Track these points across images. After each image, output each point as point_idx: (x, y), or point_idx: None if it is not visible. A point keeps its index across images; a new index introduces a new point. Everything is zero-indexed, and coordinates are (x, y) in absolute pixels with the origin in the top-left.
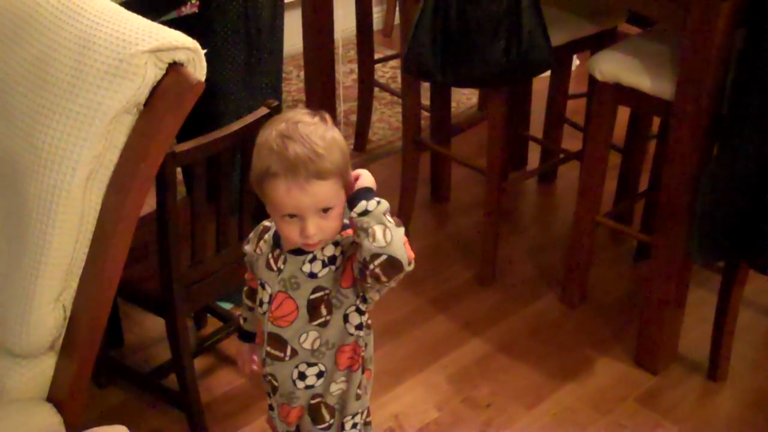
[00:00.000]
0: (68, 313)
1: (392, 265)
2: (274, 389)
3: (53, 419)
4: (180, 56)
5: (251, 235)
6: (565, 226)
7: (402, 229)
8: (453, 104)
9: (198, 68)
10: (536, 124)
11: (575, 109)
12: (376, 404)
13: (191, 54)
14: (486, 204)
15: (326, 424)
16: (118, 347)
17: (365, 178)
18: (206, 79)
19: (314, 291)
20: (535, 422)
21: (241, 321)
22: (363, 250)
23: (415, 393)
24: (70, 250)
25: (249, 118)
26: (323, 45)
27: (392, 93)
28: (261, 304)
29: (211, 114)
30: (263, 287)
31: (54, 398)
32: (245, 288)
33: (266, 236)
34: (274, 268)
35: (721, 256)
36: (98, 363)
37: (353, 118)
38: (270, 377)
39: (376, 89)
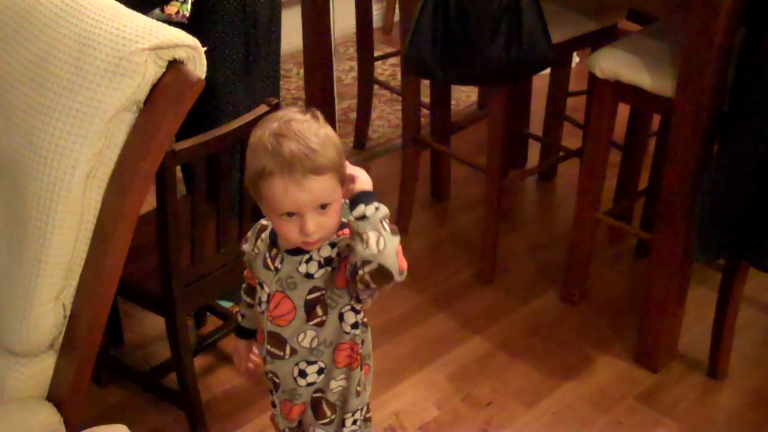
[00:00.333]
0: (68, 312)
1: (382, 273)
2: (276, 386)
3: (53, 418)
4: (180, 54)
5: (249, 233)
6: (565, 223)
7: (397, 238)
8: (453, 102)
9: (198, 66)
10: (536, 122)
11: (575, 106)
12: (376, 402)
13: (191, 52)
14: (486, 202)
15: (327, 420)
16: (118, 346)
17: (363, 180)
18: (206, 78)
19: (311, 291)
20: (535, 420)
21: (239, 318)
22: (355, 255)
23: (415, 391)
24: (70, 249)
25: (248, 116)
26: (322, 43)
27: (392, 91)
28: (260, 303)
29: (211, 112)
30: (261, 287)
31: (54, 397)
32: (244, 285)
33: (263, 235)
34: (272, 267)
35: (721, 254)
36: (98, 362)
37: (353, 115)
38: (271, 375)
39: (376, 87)
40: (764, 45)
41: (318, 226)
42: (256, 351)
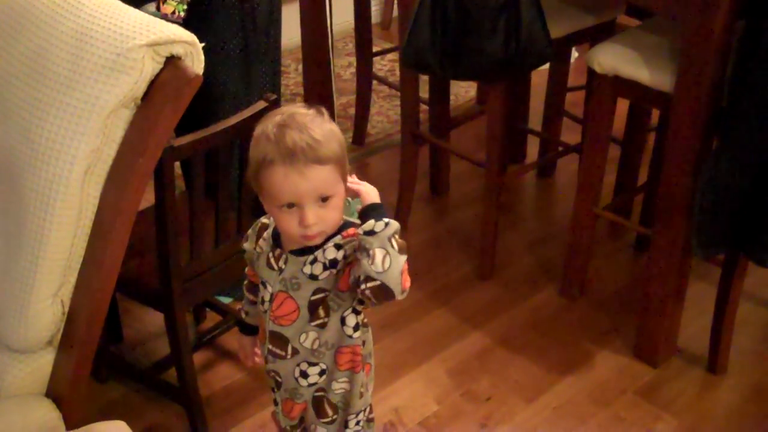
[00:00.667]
0: (67, 308)
1: (384, 292)
2: (278, 385)
3: (52, 414)
4: (177, 50)
5: (249, 232)
6: (564, 219)
7: (404, 257)
8: (452, 97)
9: (196, 62)
10: (535, 117)
11: (574, 101)
12: (376, 398)
13: (189, 47)
14: (485, 197)
15: (329, 419)
16: (118, 342)
17: (369, 192)
18: (204, 74)
19: (315, 292)
20: (534, 415)
21: (243, 314)
22: (360, 269)
23: (414, 387)
24: (69, 245)
25: (247, 112)
26: (321, 38)
27: (391, 86)
28: (262, 302)
29: (209, 108)
30: (264, 286)
31: (53, 393)
32: (246, 282)
33: (265, 234)
34: (275, 267)
35: (721, 249)
36: (97, 358)
37: (351, 111)
38: (273, 374)
39: (375, 82)
40: (763, 40)
41: (318, 219)
42: (257, 351)
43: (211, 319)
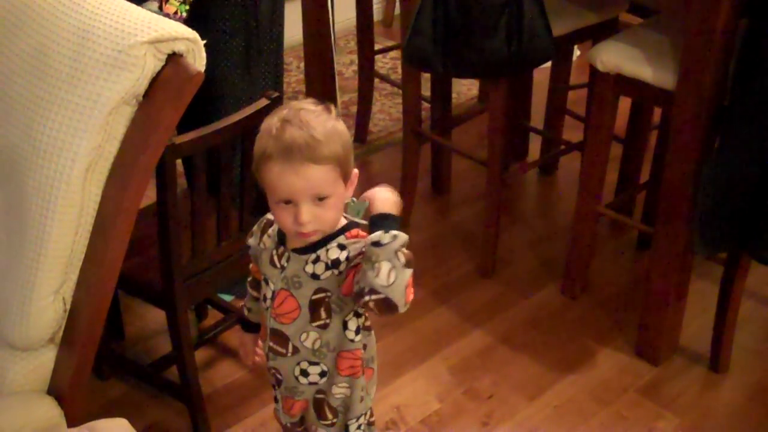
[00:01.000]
0: (68, 306)
1: (387, 305)
2: (279, 382)
3: (54, 412)
4: (179, 47)
5: (255, 228)
6: (566, 217)
7: (410, 271)
8: (453, 95)
9: (197, 59)
10: (537, 115)
11: (576, 99)
12: (377, 396)
13: (190, 45)
14: (487, 195)
15: (329, 422)
16: (119, 340)
17: (383, 200)
18: (206, 71)
19: (316, 292)
20: (536, 413)
21: (245, 311)
22: (365, 279)
23: (416, 385)
24: (70, 242)
25: (249, 110)
26: (323, 36)
27: (393, 84)
28: (264, 299)
29: (212, 106)
30: (266, 283)
31: (54, 391)
32: (250, 278)
33: (270, 231)
34: (278, 265)
35: (723, 247)
36: (99, 356)
37: (353, 109)
38: (274, 371)
39: (377, 80)
40: (765, 38)
41: (313, 217)
42: (259, 350)
43: (213, 316)
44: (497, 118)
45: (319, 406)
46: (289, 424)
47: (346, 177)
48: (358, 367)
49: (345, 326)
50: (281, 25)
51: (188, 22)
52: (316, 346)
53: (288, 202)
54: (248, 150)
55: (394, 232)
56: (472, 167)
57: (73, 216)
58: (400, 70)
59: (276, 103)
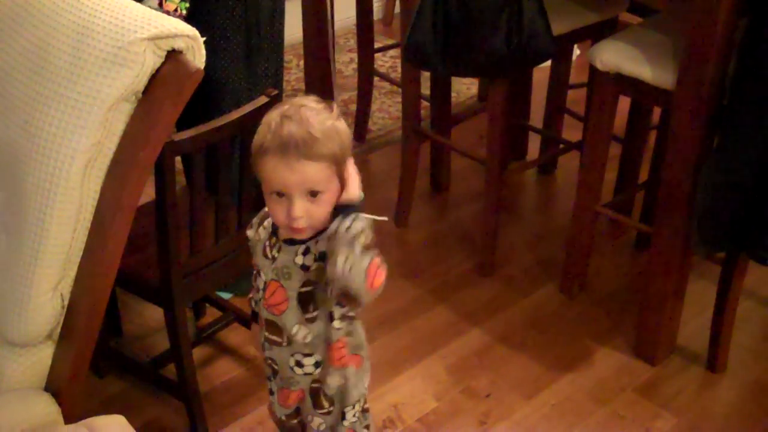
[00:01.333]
0: (66, 302)
1: (346, 295)
2: (275, 372)
3: (51, 408)
4: (179, 44)
5: (254, 219)
6: (564, 216)
7: (368, 258)
8: (453, 94)
9: (197, 56)
10: (536, 114)
11: (576, 99)
12: (374, 394)
13: (190, 41)
14: (486, 194)
15: (326, 410)
16: (118, 337)
17: (350, 189)
18: (206, 68)
19: (304, 284)
20: (534, 412)
21: (252, 304)
22: (329, 272)
23: (414, 383)
24: (69, 239)
25: (248, 107)
26: (323, 34)
27: (392, 82)
28: (258, 290)
29: (211, 103)
30: (259, 274)
31: (52, 387)
32: (255, 271)
33: (266, 223)
34: (269, 256)
35: (721, 247)
36: (97, 353)
37: (353, 107)
38: (270, 361)
39: (376, 79)
40: (765, 38)
41: (305, 212)
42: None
43: (211, 314)
44: (496, 117)
45: (316, 395)
46: (284, 417)
47: (341, 175)
48: (344, 354)
49: (330, 317)
50: (281, 23)
51: (188, 19)
52: (308, 339)
53: (281, 195)
54: (247, 147)
55: (352, 216)
56: (472, 166)
57: (71, 212)
58: (399, 69)
59: (275, 101)
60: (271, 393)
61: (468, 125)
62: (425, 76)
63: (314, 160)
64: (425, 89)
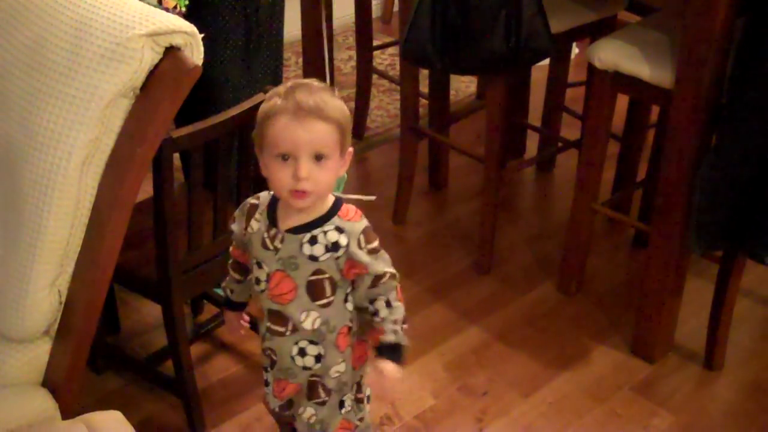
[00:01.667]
0: (64, 298)
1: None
2: (273, 363)
3: (48, 404)
4: (177, 40)
5: (237, 213)
6: (562, 214)
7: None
8: (452, 92)
9: (195, 53)
10: (535, 113)
11: (574, 97)
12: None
13: (188, 38)
14: (484, 192)
15: (320, 400)
16: (115, 333)
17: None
18: (205, 65)
19: (314, 273)
20: (531, 410)
21: (228, 292)
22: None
23: (411, 380)
24: (66, 235)
25: (247, 104)
26: (321, 32)
27: (391, 80)
28: (258, 282)
29: (210, 100)
30: (259, 266)
31: (49, 383)
32: (231, 261)
33: (257, 215)
34: (271, 247)
35: (719, 246)
36: (95, 349)
37: (351, 105)
38: (269, 351)
39: (375, 76)
40: (763, 36)
41: (310, 174)
42: (246, 317)
43: (209, 311)
44: (495, 115)
45: (313, 387)
46: (277, 408)
47: (343, 147)
48: (351, 342)
49: (346, 299)
50: (281, 20)
51: (188, 16)
52: (316, 325)
53: (286, 158)
54: (245, 144)
55: (351, 225)
56: (470, 164)
57: (69, 208)
58: (398, 67)
59: None
60: (267, 384)
61: (466, 123)
62: (424, 73)
63: (325, 121)
64: (424, 87)
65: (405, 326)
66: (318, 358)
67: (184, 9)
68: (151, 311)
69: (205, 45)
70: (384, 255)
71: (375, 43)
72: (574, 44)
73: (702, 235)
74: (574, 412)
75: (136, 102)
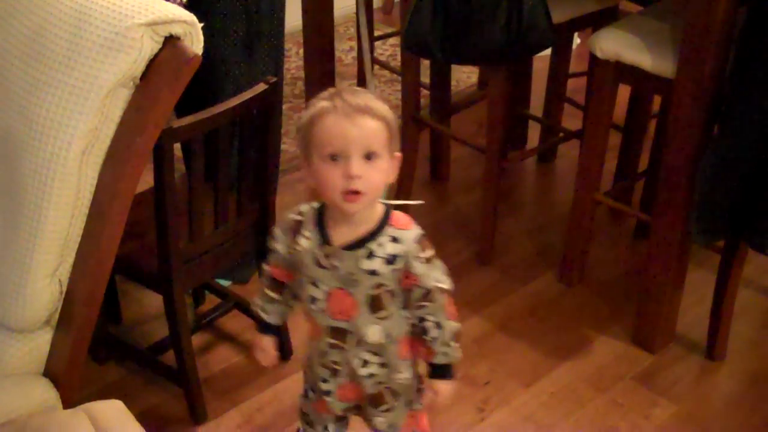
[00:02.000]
0: (64, 288)
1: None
2: (335, 372)
3: (49, 394)
4: (177, 29)
5: (278, 232)
6: (564, 205)
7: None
8: (453, 82)
9: (195, 42)
10: (536, 103)
11: (576, 87)
12: None
13: (188, 27)
14: (485, 183)
15: (388, 407)
16: (117, 324)
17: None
18: (205, 55)
19: (375, 287)
20: (532, 400)
21: (259, 311)
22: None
23: None
24: (66, 225)
25: (247, 94)
26: (322, 22)
27: (392, 71)
28: (314, 300)
29: (211, 90)
30: (315, 285)
31: (50, 373)
32: (267, 280)
33: (305, 232)
34: (327, 265)
35: (720, 236)
36: (96, 339)
37: None
38: (331, 363)
39: (376, 67)
40: (765, 27)
41: (362, 173)
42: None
43: (210, 301)
44: (496, 106)
45: (379, 395)
46: (340, 411)
47: (392, 148)
48: (410, 347)
49: (403, 307)
50: (282, 10)
51: (189, 6)
52: (380, 337)
53: (336, 159)
54: (246, 134)
55: (407, 235)
56: (471, 154)
57: (69, 198)
58: (399, 57)
59: (275, 88)
60: (326, 393)
61: (468, 114)
62: (425, 64)
63: (374, 118)
64: (425, 77)
65: (457, 344)
66: (382, 365)
67: (185, 0)
68: (153, 301)
69: (205, 35)
70: (437, 263)
71: (376, 33)
72: (576, 34)
73: (703, 225)
74: (576, 402)
75: (135, 91)
